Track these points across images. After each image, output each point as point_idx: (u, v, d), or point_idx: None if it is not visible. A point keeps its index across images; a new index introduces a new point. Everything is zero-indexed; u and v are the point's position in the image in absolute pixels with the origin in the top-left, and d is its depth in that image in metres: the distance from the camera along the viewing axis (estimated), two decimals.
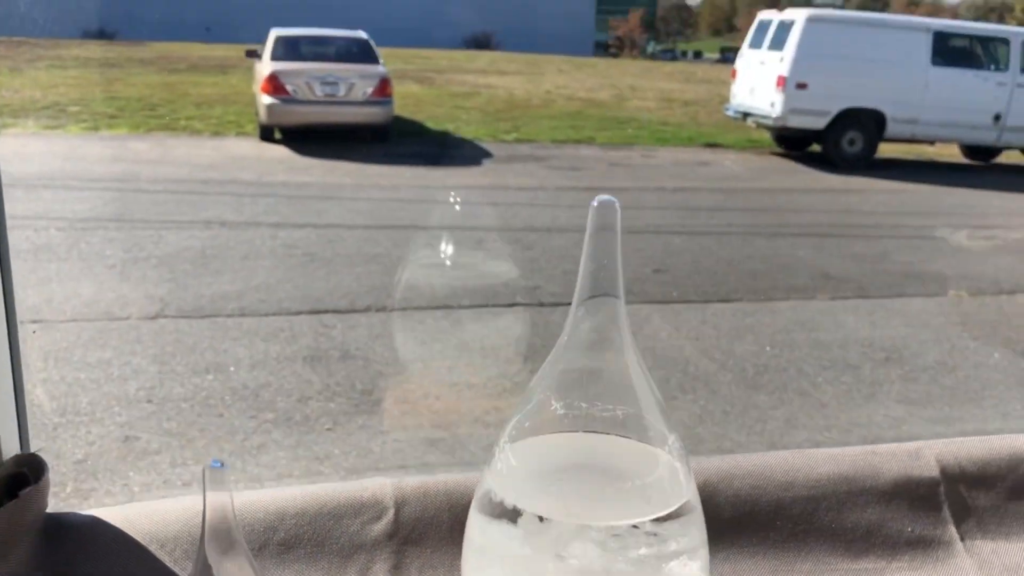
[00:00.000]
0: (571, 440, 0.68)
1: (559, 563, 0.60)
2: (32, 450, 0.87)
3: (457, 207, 8.66)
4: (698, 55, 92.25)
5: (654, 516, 0.62)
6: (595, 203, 0.66)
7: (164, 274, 5.75)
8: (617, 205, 0.66)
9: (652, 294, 5.83)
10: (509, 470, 0.66)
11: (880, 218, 9.16)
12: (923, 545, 0.83)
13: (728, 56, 71.72)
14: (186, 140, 11.96)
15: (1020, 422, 4.11)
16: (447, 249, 6.80)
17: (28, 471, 0.81)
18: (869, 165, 12.72)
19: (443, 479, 0.85)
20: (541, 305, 5.44)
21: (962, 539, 0.84)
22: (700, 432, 3.77)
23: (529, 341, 4.82)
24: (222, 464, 0.60)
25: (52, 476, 2.63)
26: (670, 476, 0.66)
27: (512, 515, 0.63)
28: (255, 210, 7.96)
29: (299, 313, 5.09)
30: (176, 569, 0.75)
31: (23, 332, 0.89)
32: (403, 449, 3.50)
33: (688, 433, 3.75)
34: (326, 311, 5.15)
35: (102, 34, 46.27)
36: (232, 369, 4.21)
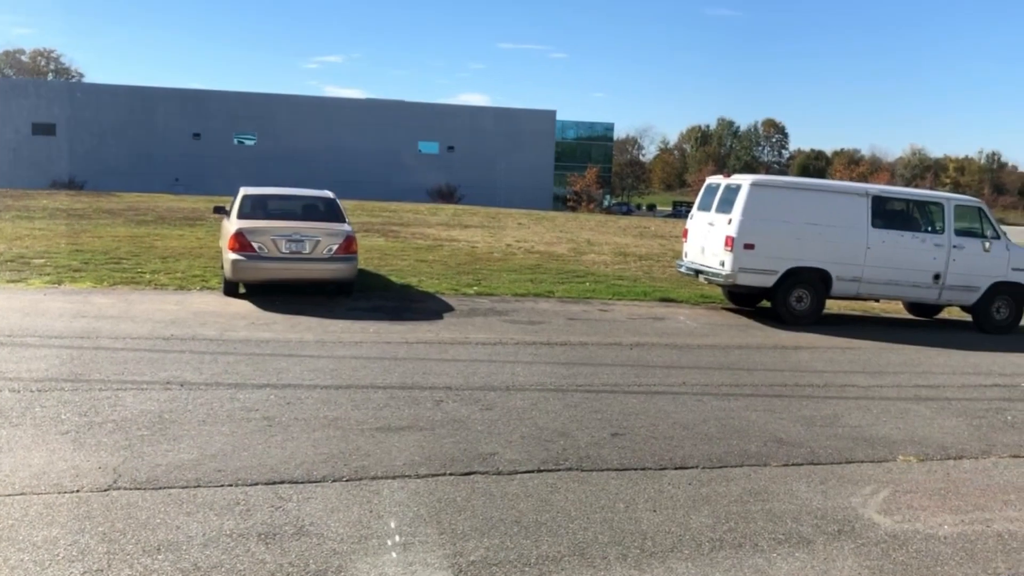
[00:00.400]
0: None
1: None
2: None
3: (416, 364, 8.73)
4: (652, 208, 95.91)
5: None
6: None
7: (120, 440, 5.70)
8: None
9: (610, 460, 5.88)
10: None
11: (829, 377, 9.40)
12: None
13: (680, 210, 74.56)
14: (150, 295, 12.03)
15: None
16: (405, 411, 6.83)
17: None
18: (818, 321, 13.15)
19: None
20: (499, 474, 5.46)
21: None
22: None
23: (485, 514, 4.82)
24: None
25: None
26: None
27: None
28: (215, 369, 7.96)
29: (255, 484, 5.06)
30: None
31: None
32: None
33: None
34: (282, 482, 5.12)
35: (72, 184, 47.01)
36: (184, 548, 4.14)
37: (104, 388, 7.03)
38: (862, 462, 6.25)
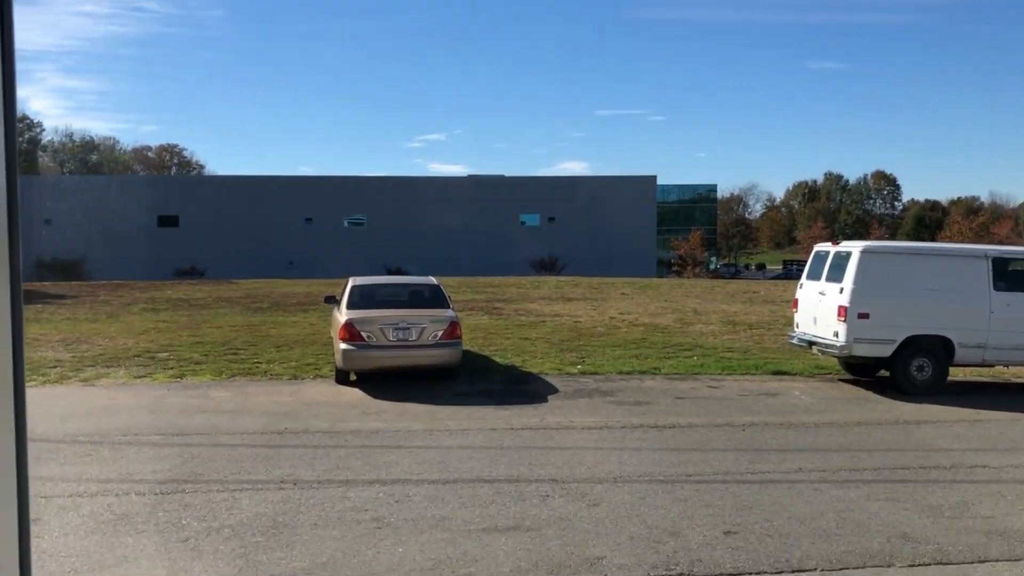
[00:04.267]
0: None
1: None
2: None
3: (522, 454, 8.70)
4: (761, 268, 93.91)
5: None
6: None
7: (236, 548, 5.86)
8: None
9: (723, 564, 5.68)
10: None
11: (957, 456, 8.88)
12: None
13: (791, 269, 72.59)
14: (266, 387, 12.46)
15: None
16: (511, 509, 6.80)
17: None
18: (942, 390, 12.51)
19: None
20: None
21: None
22: None
23: None
24: None
25: None
26: None
27: None
28: (327, 465, 8.14)
29: None
30: None
31: None
32: None
33: None
34: None
35: (194, 272, 49.66)
36: None
37: (222, 489, 7.28)
38: (997, 560, 5.83)
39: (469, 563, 5.63)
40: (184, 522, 6.41)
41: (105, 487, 7.23)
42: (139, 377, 13.02)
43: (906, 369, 12.55)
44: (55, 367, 13.57)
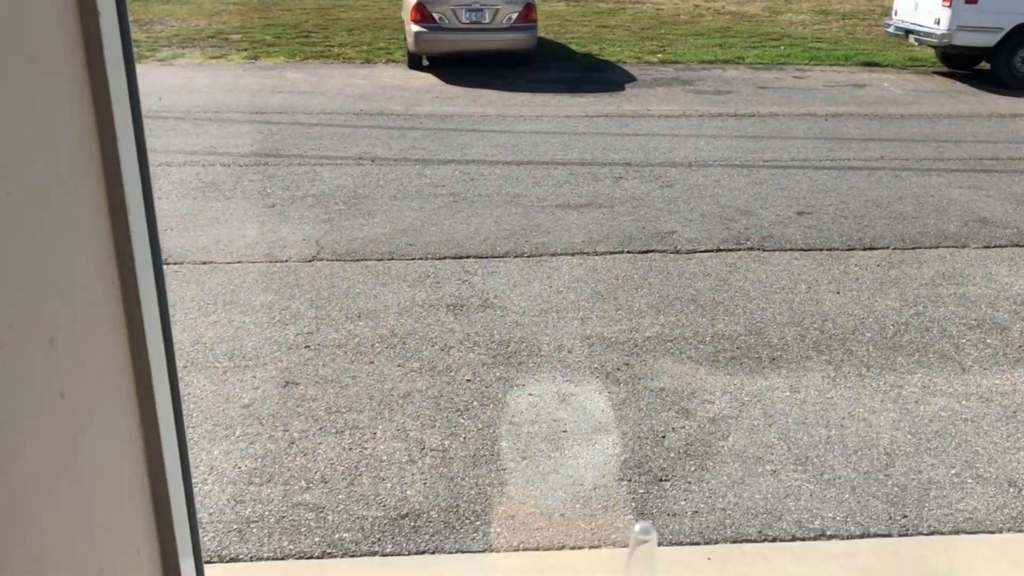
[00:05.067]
0: None
1: None
2: None
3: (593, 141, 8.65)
4: None
5: None
6: (637, 529, 0.88)
7: (320, 214, 6.12)
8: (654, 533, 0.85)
9: (794, 240, 5.74)
10: None
11: None
12: None
13: None
14: (339, 69, 12.36)
15: None
16: (584, 189, 6.87)
17: None
18: None
19: None
20: (676, 252, 5.47)
21: None
22: (832, 396, 3.79)
23: (662, 291, 4.90)
24: None
25: (220, 419, 3.01)
26: None
27: None
28: (403, 145, 8.24)
29: (443, 258, 5.35)
30: None
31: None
32: (537, 404, 3.71)
33: (820, 397, 3.78)
34: (468, 256, 5.38)
35: None
36: (382, 316, 4.52)
37: (303, 163, 7.48)
38: None
39: (542, 233, 5.80)
40: (269, 191, 6.67)
41: (191, 158, 7.49)
42: (214, 58, 13.00)
43: (1010, 60, 11.73)
44: None
